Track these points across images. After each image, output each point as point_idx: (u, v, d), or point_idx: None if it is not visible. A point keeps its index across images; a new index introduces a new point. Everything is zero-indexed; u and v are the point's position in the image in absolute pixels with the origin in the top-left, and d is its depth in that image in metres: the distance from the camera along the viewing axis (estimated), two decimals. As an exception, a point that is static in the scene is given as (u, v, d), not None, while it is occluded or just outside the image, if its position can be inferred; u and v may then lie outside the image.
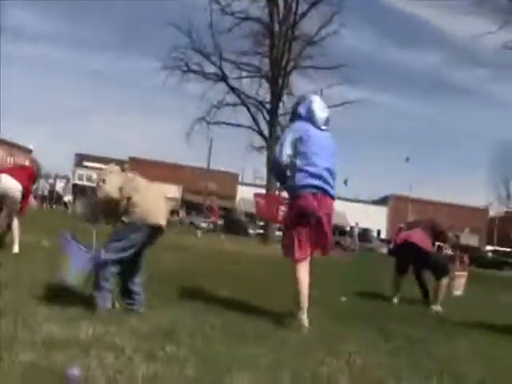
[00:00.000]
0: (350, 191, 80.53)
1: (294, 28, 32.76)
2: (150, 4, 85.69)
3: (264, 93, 34.38)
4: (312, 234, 5.57)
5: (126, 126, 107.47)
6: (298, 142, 5.60)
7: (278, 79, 33.21)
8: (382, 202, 71.19)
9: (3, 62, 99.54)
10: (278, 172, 5.78)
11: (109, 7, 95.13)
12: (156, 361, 3.67)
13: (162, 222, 5.10)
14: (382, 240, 53.17)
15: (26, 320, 4.24)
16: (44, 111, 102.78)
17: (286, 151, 5.60)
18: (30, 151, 59.57)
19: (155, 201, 5.12)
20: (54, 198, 40.78)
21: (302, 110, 5.82)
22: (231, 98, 34.63)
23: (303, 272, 5.52)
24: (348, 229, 47.53)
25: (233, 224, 43.34)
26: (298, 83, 34.72)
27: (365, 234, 48.46)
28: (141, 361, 3.61)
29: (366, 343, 5.00)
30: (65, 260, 4.94)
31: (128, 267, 5.12)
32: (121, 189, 4.92)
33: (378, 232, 62.55)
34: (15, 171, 9.00)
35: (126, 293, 5.24)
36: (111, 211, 4.97)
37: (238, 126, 34.43)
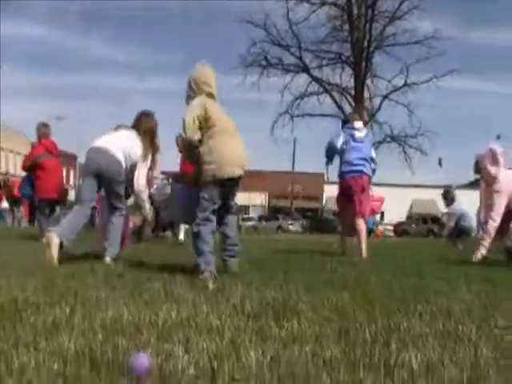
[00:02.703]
0: (441, 179, 76.27)
1: (374, 6, 31.01)
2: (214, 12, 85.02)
3: (347, 79, 32.75)
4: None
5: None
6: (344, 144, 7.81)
7: (360, 63, 31.54)
8: (472, 185, 67.05)
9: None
10: (331, 153, 7.96)
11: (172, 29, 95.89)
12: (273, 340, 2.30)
13: (237, 172, 4.80)
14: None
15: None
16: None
17: (339, 143, 7.77)
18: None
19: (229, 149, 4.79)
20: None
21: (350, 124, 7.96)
22: (314, 88, 33.23)
23: None
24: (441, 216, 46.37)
25: (321, 223, 42.15)
26: (382, 64, 32.89)
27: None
28: (249, 341, 2.25)
29: None
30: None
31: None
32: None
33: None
34: None
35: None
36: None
37: (323, 115, 32.95)
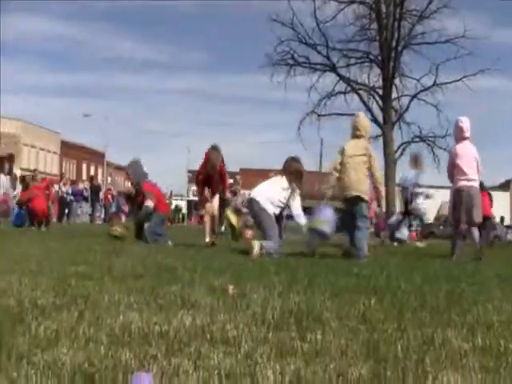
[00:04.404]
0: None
1: (403, 5, 30.45)
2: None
3: (375, 78, 32.24)
4: None
5: (233, 140, 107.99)
6: None
7: (388, 62, 31.05)
8: (503, 187, 65.32)
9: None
10: None
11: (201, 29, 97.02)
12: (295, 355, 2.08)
13: (352, 193, 7.78)
14: (508, 226, 49.13)
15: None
16: (153, 135, 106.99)
17: None
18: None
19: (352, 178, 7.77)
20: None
21: None
22: (341, 87, 32.76)
23: None
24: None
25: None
26: (411, 63, 32.29)
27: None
28: (268, 356, 2.03)
29: None
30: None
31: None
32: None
33: (502, 219, 57.68)
34: None
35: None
36: None
37: (350, 115, 32.40)
